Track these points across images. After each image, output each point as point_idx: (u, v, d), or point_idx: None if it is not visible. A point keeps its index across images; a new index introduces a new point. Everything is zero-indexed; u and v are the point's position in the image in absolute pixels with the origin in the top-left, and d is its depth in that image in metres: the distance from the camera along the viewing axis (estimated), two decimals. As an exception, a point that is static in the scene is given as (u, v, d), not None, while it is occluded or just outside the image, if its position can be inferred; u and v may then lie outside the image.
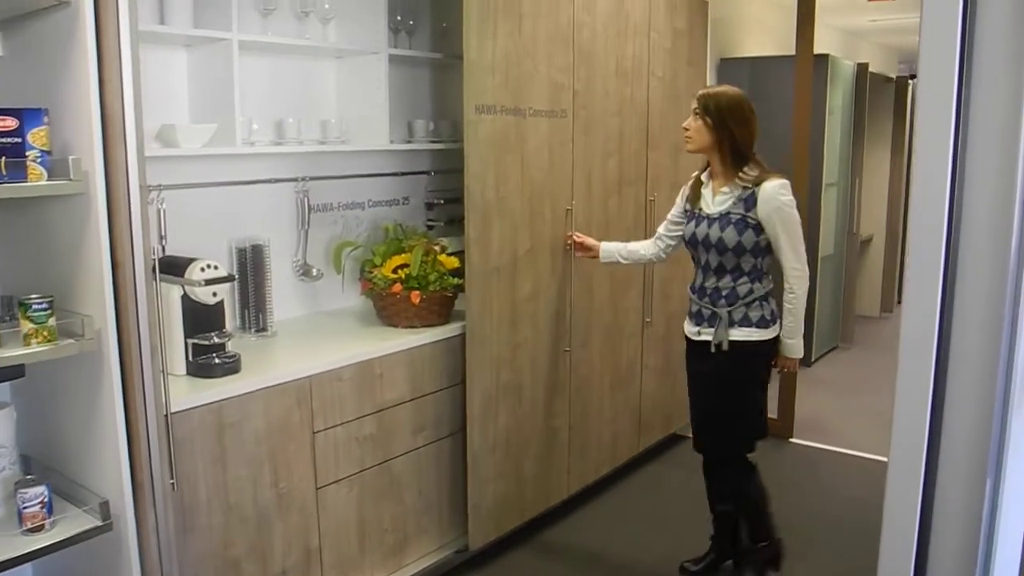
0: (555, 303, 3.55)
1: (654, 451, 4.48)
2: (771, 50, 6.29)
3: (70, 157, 2.05)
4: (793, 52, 4.77)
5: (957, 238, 1.02)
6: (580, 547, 3.60)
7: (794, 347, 2.98)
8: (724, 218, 2.90)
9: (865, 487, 4.10)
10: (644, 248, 3.35)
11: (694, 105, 2.94)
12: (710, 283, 2.98)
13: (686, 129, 2.96)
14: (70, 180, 2.05)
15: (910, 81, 7.97)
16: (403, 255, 3.21)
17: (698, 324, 3.03)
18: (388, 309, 3.18)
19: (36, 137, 2.06)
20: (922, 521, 1.06)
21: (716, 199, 2.95)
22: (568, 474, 3.77)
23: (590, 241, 3.48)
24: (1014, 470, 1.06)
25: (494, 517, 3.37)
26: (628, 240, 3.50)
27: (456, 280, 3.22)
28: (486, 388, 3.25)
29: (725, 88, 2.93)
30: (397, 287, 3.12)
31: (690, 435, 4.68)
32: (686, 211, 3.09)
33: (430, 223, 3.86)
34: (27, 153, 2.04)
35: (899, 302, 8.26)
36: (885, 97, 7.55)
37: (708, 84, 4.58)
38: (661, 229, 3.28)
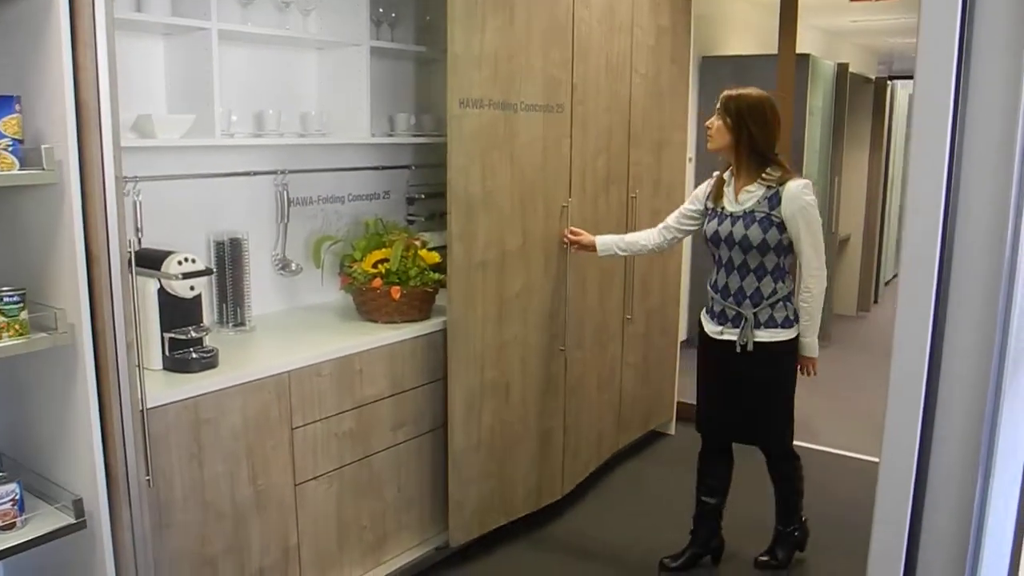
0: (549, 301, 3.50)
1: (634, 448, 4.47)
2: (753, 49, 6.32)
3: (43, 146, 2.00)
4: (775, 51, 4.78)
5: (951, 240, 1.01)
6: (564, 544, 3.58)
7: (810, 346, 3.05)
8: (748, 216, 2.95)
9: (846, 485, 4.12)
10: (645, 238, 3.35)
11: (717, 104, 3.00)
12: (733, 282, 3.02)
13: (708, 128, 3.02)
14: (43, 170, 2.00)
15: (889, 82, 8.03)
16: (383, 250, 3.18)
17: (721, 324, 3.07)
18: (368, 304, 3.14)
19: (8, 125, 2.01)
20: (913, 518, 1.05)
21: (740, 197, 2.99)
22: (563, 476, 3.73)
23: (586, 238, 3.44)
24: (1003, 468, 1.05)
25: (478, 515, 3.34)
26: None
27: (437, 275, 3.19)
28: (469, 386, 3.20)
29: (749, 90, 2.98)
30: (377, 282, 3.09)
31: (669, 432, 4.74)
32: (707, 209, 3.11)
33: (411, 218, 3.83)
34: (-1, 142, 2.00)
35: (875, 301, 8.33)
36: (864, 97, 7.59)
37: (689, 82, 4.60)
38: (671, 220, 3.28)
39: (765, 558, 3.36)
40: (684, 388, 4.92)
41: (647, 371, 4.40)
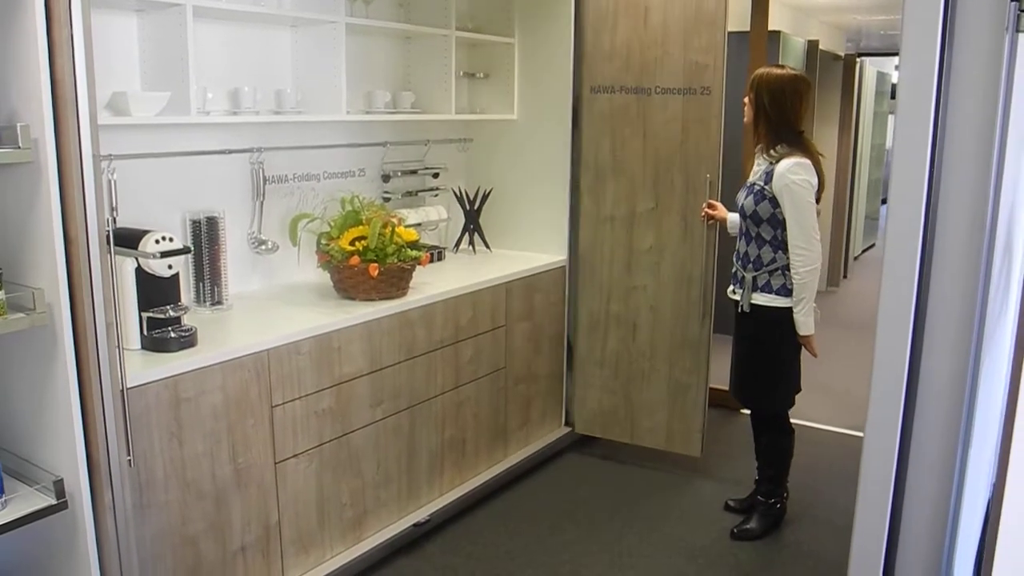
0: (687, 266, 3.82)
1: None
2: (724, 25, 6.31)
3: (18, 124, 1.97)
4: (744, 28, 4.80)
5: (932, 234, 1.03)
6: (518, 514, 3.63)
7: (798, 322, 3.14)
8: (750, 187, 3.16)
9: (818, 457, 4.19)
10: None
11: (748, 85, 3.23)
12: (742, 248, 3.25)
13: (744, 105, 3.24)
14: (19, 148, 1.97)
15: (858, 59, 8.09)
16: (360, 227, 3.17)
17: (733, 284, 3.34)
18: (345, 282, 3.14)
19: (-18, 103, 1.99)
20: (896, 489, 1.08)
21: (754, 170, 3.21)
22: (701, 435, 3.94)
23: (720, 212, 3.62)
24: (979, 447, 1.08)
25: (599, 419, 4.17)
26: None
27: (415, 252, 3.20)
28: (593, 310, 4.06)
29: (772, 69, 3.18)
30: (355, 259, 3.09)
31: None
32: None
33: (386, 195, 3.82)
34: (-27, 120, 1.97)
35: (845, 276, 8.44)
36: (834, 75, 7.65)
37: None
38: None
39: (742, 529, 3.43)
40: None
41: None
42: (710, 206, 3.65)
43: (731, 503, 3.66)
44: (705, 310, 3.79)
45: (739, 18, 5.39)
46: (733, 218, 3.53)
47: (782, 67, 3.21)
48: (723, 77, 3.61)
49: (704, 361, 3.84)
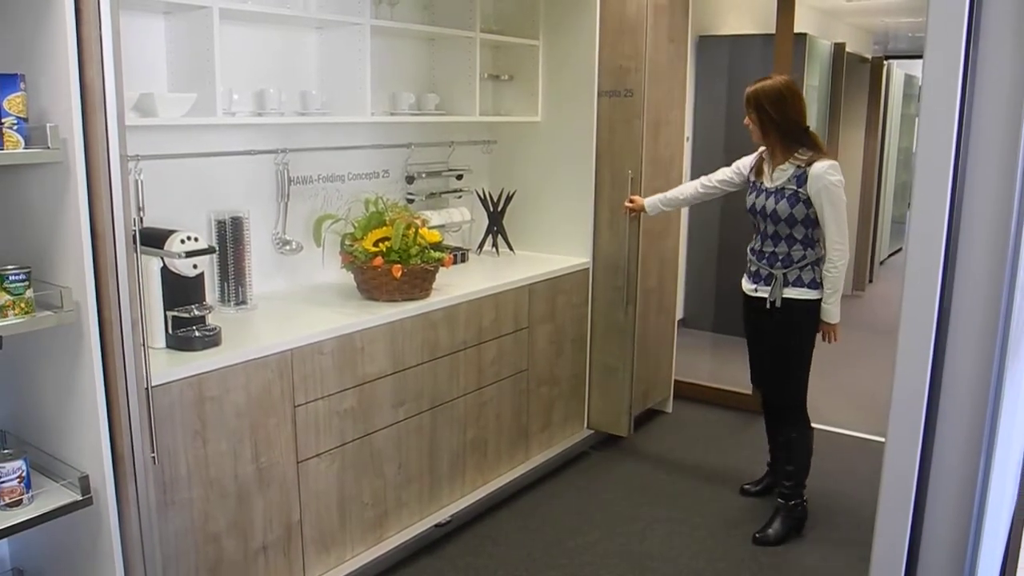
0: (614, 257, 4.05)
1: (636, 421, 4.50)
2: (750, 28, 6.30)
3: (48, 124, 1.99)
4: (772, 31, 4.77)
5: (957, 231, 1.02)
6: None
7: (829, 312, 3.28)
8: (779, 192, 3.23)
9: (843, 462, 4.16)
10: (681, 192, 3.81)
11: (746, 104, 3.32)
12: (768, 248, 3.32)
13: (747, 126, 3.34)
14: (48, 148, 2.00)
15: (885, 61, 8.02)
16: (384, 228, 3.18)
17: (755, 282, 3.41)
18: (369, 283, 3.15)
19: (12, 104, 2.01)
20: (917, 496, 1.07)
21: (774, 175, 3.28)
22: (629, 416, 4.16)
23: (638, 202, 3.89)
24: (1003, 452, 1.07)
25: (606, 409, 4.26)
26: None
27: (438, 254, 3.20)
28: None
29: (765, 81, 3.28)
30: (378, 260, 3.10)
31: (667, 410, 4.78)
32: (750, 182, 3.44)
33: (410, 196, 3.83)
34: (3, 120, 1.99)
35: (871, 280, 8.36)
36: (860, 77, 7.58)
37: (687, 62, 4.61)
38: (715, 177, 3.64)
39: (764, 533, 3.40)
40: (681, 366, 4.95)
41: (645, 349, 4.43)
42: (631, 200, 3.89)
43: (746, 487, 3.83)
44: (629, 297, 4.03)
45: (764, 20, 5.37)
46: (649, 202, 3.83)
47: (769, 77, 3.30)
48: (644, 80, 3.86)
49: (629, 346, 4.07)
